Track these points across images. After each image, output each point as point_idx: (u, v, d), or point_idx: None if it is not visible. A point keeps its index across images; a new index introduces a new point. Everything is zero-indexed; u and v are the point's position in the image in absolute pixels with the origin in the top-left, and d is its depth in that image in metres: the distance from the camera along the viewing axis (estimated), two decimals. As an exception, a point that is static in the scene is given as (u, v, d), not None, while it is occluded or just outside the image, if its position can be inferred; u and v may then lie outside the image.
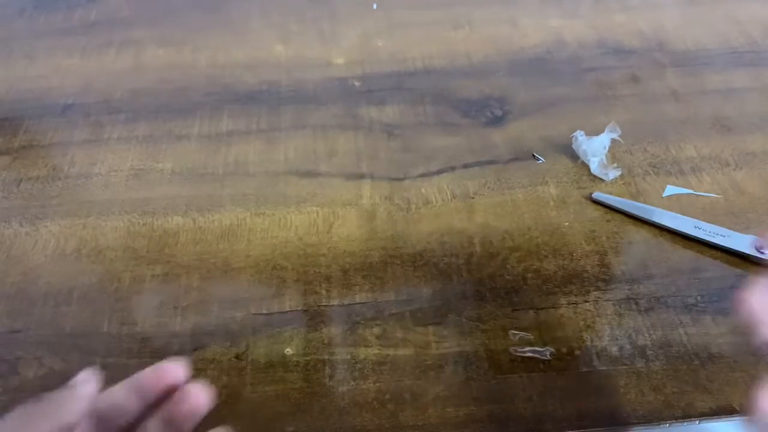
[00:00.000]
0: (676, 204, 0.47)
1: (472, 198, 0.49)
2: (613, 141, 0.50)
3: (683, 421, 0.36)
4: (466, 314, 0.42)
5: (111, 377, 0.28)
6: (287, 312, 0.42)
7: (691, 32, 0.63)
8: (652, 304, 0.42)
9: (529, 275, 0.43)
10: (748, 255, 0.43)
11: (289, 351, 0.40)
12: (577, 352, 0.39)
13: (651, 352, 0.39)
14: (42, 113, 0.58)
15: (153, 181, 0.51)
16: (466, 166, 0.51)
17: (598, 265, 0.44)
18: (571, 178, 0.50)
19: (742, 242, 0.43)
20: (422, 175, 0.51)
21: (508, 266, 0.44)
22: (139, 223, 0.48)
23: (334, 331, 0.41)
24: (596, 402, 0.37)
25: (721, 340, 0.40)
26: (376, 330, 0.41)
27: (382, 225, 0.47)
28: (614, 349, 0.39)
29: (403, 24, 0.66)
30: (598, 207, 0.48)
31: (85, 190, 0.51)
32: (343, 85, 0.59)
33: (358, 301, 0.43)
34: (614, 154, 0.51)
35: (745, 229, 0.45)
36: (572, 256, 0.44)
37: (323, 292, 0.43)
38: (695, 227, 0.45)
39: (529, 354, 0.40)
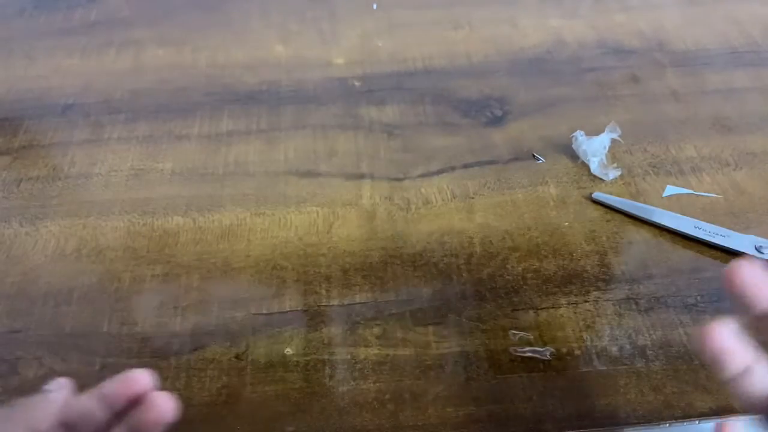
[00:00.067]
0: (676, 204, 0.47)
1: (472, 198, 0.49)
2: (613, 141, 0.50)
3: (683, 421, 0.36)
4: (466, 314, 0.42)
5: (111, 377, 0.28)
6: (287, 312, 0.42)
7: (691, 32, 0.63)
8: (652, 304, 0.42)
9: (529, 275, 0.43)
10: (748, 255, 0.43)
11: (289, 351, 0.40)
12: (577, 352, 0.39)
13: (651, 352, 0.39)
14: (42, 113, 0.58)
15: (153, 181, 0.51)
16: (466, 166, 0.51)
17: (598, 265, 0.44)
18: (571, 178, 0.50)
19: (742, 242, 0.43)
20: (422, 175, 0.51)
21: (508, 266, 0.44)
22: (139, 223, 0.48)
23: (334, 331, 0.41)
24: (596, 402, 0.37)
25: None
26: (376, 330, 0.41)
27: (382, 225, 0.47)
28: (614, 349, 0.39)
29: (403, 24, 0.66)
30: (598, 207, 0.48)
31: (85, 190, 0.51)
32: (343, 85, 0.59)
33: (358, 301, 0.43)
34: (614, 154, 0.51)
35: (745, 229, 0.45)
36: (572, 256, 0.44)
37: (323, 292, 0.43)
38: (695, 227, 0.45)
39: (529, 354, 0.40)
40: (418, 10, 0.68)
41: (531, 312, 0.41)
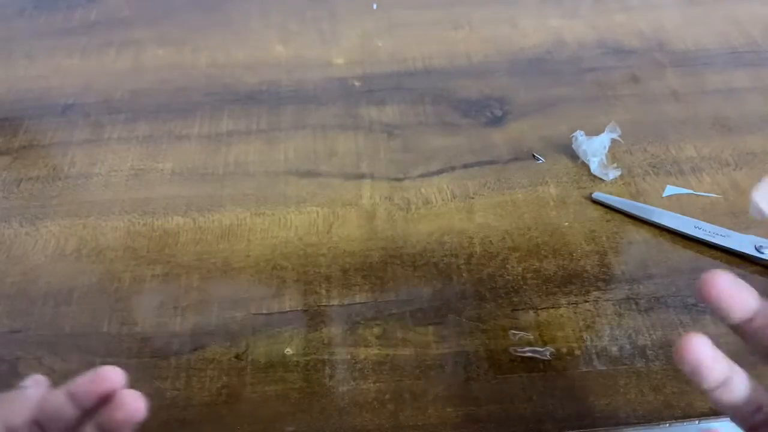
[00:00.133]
0: (676, 204, 0.47)
1: (472, 198, 0.49)
2: (613, 141, 0.50)
3: (683, 421, 0.36)
4: (466, 314, 0.42)
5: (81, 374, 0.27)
6: (287, 312, 0.42)
7: (691, 32, 0.63)
8: (652, 304, 0.42)
9: (529, 275, 0.43)
10: (748, 255, 0.43)
11: (289, 351, 0.40)
12: (577, 352, 0.39)
13: (651, 352, 0.39)
14: (42, 113, 0.58)
15: (153, 181, 0.51)
16: (466, 166, 0.51)
17: (598, 265, 0.44)
18: (571, 178, 0.50)
19: (742, 242, 0.43)
20: (422, 175, 0.51)
21: (508, 266, 0.44)
22: (139, 223, 0.48)
23: (334, 331, 0.41)
24: (596, 402, 0.37)
25: (721, 341, 0.39)
26: (376, 330, 0.41)
27: (382, 225, 0.47)
28: (614, 349, 0.39)
29: (403, 24, 0.66)
30: (598, 207, 0.48)
31: (85, 190, 0.51)
32: (343, 85, 0.59)
33: (358, 301, 0.43)
34: (614, 154, 0.51)
35: (745, 229, 0.45)
36: (572, 256, 0.44)
37: (323, 292, 0.43)
38: (695, 227, 0.45)
39: (529, 354, 0.40)
40: (418, 10, 0.68)
41: (531, 312, 0.41)
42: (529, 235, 0.46)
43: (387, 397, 0.38)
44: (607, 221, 0.46)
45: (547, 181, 0.49)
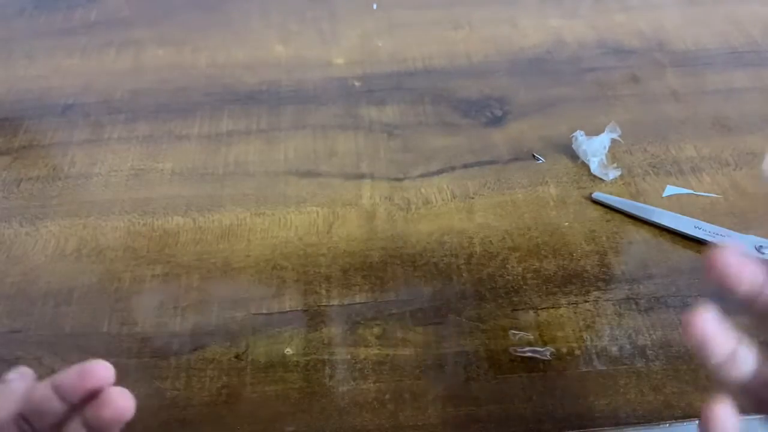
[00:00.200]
0: (676, 204, 0.47)
1: (472, 198, 0.49)
2: (613, 141, 0.50)
3: (683, 421, 0.36)
4: (466, 314, 0.42)
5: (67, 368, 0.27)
6: (287, 312, 0.42)
7: (691, 32, 0.63)
8: (652, 304, 0.42)
9: (529, 275, 0.43)
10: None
11: (289, 351, 0.40)
12: (577, 352, 0.39)
13: (651, 352, 0.39)
14: (42, 113, 0.58)
15: (153, 181, 0.51)
16: (466, 166, 0.51)
17: (598, 265, 0.44)
18: (571, 178, 0.50)
19: (742, 242, 0.43)
20: (422, 175, 0.51)
21: (508, 266, 0.44)
22: (139, 223, 0.48)
23: (334, 331, 0.41)
24: (596, 402, 0.37)
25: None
26: (376, 330, 0.41)
27: (382, 225, 0.47)
28: (614, 349, 0.39)
29: (403, 24, 0.66)
30: (598, 207, 0.48)
31: (85, 190, 0.51)
32: (343, 85, 0.59)
33: (358, 301, 0.43)
34: (614, 154, 0.51)
35: (745, 229, 0.45)
36: (572, 256, 0.44)
37: (323, 292, 0.43)
38: (695, 227, 0.45)
39: (529, 354, 0.40)
40: (418, 10, 0.68)
41: (531, 312, 0.41)
42: (529, 235, 0.46)
43: (387, 397, 0.38)
44: (607, 221, 0.46)
45: (547, 181, 0.49)
